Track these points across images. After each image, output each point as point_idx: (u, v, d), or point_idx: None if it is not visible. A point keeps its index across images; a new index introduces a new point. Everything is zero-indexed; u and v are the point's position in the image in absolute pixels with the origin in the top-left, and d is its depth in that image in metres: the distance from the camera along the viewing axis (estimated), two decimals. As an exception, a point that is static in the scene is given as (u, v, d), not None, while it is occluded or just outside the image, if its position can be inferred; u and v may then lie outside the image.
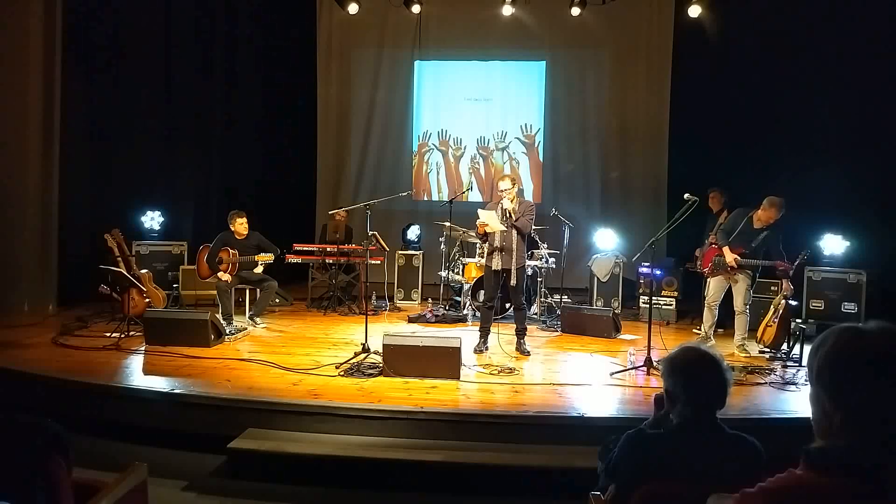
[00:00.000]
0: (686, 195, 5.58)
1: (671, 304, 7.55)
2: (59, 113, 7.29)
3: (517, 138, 10.21)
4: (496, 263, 5.66)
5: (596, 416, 4.28)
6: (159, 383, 4.68)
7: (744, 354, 5.83)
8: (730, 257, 5.79)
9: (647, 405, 3.42)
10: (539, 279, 7.70)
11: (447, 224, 7.54)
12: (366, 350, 5.33)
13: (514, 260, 5.61)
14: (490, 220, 5.58)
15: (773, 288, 6.76)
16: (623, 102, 9.88)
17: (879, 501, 1.16)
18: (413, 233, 8.77)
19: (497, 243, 5.65)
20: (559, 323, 7.02)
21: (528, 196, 9.78)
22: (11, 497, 1.66)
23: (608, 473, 2.24)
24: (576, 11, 9.00)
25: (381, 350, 5.01)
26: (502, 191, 5.65)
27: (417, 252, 8.49)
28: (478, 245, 7.36)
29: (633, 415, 4.13)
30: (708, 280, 6.15)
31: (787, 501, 1.21)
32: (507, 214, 5.57)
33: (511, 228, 5.59)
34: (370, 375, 4.91)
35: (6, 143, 7.02)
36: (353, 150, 10.39)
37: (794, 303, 6.30)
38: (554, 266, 7.58)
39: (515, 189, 5.71)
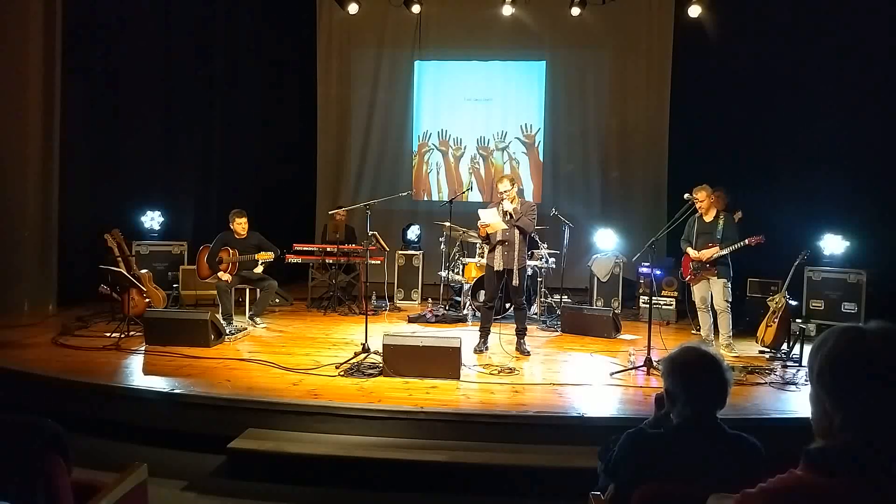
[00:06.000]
0: (686, 195, 5.61)
1: (671, 304, 7.55)
2: (59, 113, 7.28)
3: (517, 138, 10.21)
4: (498, 263, 5.65)
5: (596, 416, 4.28)
6: (159, 383, 4.67)
7: (732, 353, 5.78)
8: (707, 253, 5.77)
9: (647, 405, 3.43)
10: (539, 279, 7.69)
11: (447, 224, 7.54)
12: (366, 350, 5.33)
13: (515, 260, 5.61)
14: (491, 219, 5.57)
15: (772, 288, 6.76)
16: (623, 102, 9.88)
17: (879, 501, 1.16)
18: (413, 233, 8.77)
19: (499, 241, 5.64)
20: (559, 323, 7.01)
21: (528, 196, 9.79)
22: (11, 497, 1.66)
23: (608, 473, 2.24)
24: (576, 11, 9.02)
25: (381, 350, 5.01)
26: (502, 192, 5.63)
27: (417, 252, 8.49)
28: (478, 245, 7.36)
29: (633, 415, 4.13)
30: (692, 286, 6.15)
31: (787, 501, 1.21)
32: (509, 216, 5.56)
33: (513, 228, 5.58)
34: (370, 375, 4.91)
35: (6, 144, 7.01)
36: (353, 150, 10.40)
37: (794, 303, 6.30)
38: (554, 266, 7.58)
39: (515, 189, 5.70)
